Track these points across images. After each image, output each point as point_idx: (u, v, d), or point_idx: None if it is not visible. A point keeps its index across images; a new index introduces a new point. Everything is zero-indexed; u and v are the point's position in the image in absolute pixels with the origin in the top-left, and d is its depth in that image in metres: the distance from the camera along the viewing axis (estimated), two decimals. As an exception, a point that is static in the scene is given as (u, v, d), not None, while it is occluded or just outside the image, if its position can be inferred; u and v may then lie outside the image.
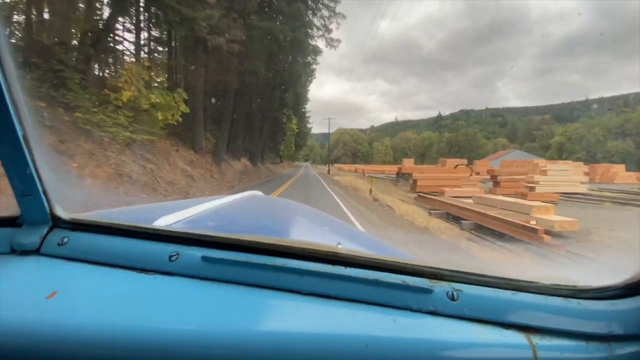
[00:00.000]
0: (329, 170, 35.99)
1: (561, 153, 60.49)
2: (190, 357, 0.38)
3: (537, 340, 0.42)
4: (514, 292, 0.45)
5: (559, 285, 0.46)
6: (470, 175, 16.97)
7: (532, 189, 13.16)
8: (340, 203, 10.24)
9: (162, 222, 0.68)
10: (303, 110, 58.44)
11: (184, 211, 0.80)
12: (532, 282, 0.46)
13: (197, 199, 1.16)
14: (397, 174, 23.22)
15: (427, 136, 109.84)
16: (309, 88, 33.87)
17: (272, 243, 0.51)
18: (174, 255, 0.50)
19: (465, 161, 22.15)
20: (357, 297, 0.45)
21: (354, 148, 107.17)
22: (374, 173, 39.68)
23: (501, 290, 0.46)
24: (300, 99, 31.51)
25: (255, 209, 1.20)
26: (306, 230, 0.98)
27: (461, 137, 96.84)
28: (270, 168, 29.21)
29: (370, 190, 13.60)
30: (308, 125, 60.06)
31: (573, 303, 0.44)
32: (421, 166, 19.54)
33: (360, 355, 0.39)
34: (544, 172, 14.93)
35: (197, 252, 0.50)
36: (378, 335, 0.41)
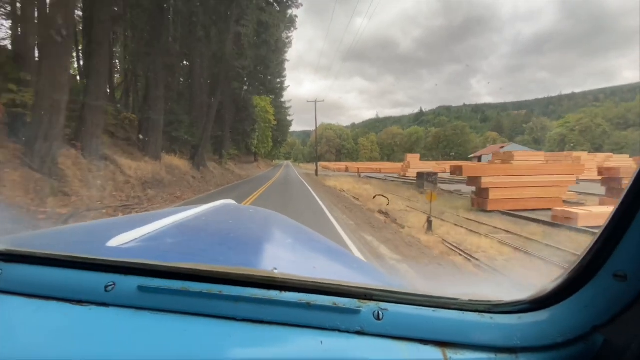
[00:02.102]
0: (316, 171, 28.08)
1: (563, 145, 55.92)
2: None
3: (451, 354, 0.44)
4: (434, 309, 0.48)
5: (476, 301, 0.49)
6: (579, 175, 9.82)
7: None
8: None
9: (117, 242, 0.66)
10: (281, 100, 50.08)
11: (142, 228, 0.77)
12: (452, 298, 0.49)
13: (164, 212, 1.10)
14: (420, 175, 15.98)
15: (413, 131, 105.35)
16: (284, 67, 25.66)
17: (209, 270, 0.51)
18: (110, 285, 0.49)
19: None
20: (290, 321, 0.46)
21: (339, 144, 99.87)
22: (369, 172, 32.38)
23: (423, 308, 0.48)
24: (273, 79, 23.34)
25: (222, 222, 1.15)
26: (269, 247, 0.95)
27: (449, 131, 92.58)
28: (233, 170, 20.93)
29: (429, 222, 5.90)
30: (288, 117, 51.82)
31: (486, 318, 0.47)
32: (487, 164, 11.87)
33: None
34: None
35: (133, 282, 0.49)
36: (304, 358, 0.42)
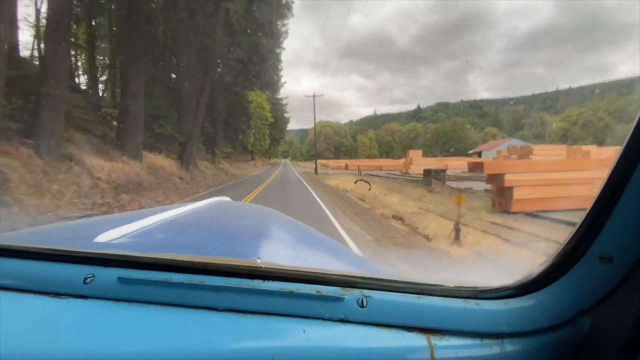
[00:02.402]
0: (316, 170, 26.52)
1: (565, 140, 55.21)
2: None
3: (436, 341, 0.44)
4: (419, 295, 0.48)
5: (462, 287, 0.49)
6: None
7: None
8: None
9: (105, 238, 0.66)
10: (278, 97, 48.77)
11: (132, 224, 0.76)
12: (437, 285, 0.49)
13: (156, 209, 1.08)
14: (427, 172, 14.96)
15: (412, 127, 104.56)
16: (281, 59, 24.40)
17: (190, 260, 0.50)
18: (89, 277, 0.49)
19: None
20: (273, 310, 0.46)
21: (337, 142, 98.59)
22: (370, 170, 31.36)
23: (408, 294, 0.48)
24: (269, 72, 22.12)
25: (215, 219, 1.14)
26: (261, 240, 0.94)
27: (448, 127, 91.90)
28: (227, 169, 19.75)
29: (456, 231, 4.78)
30: (285, 114, 50.63)
31: (472, 304, 0.47)
32: (509, 161, 10.78)
33: None
34: None
35: (113, 273, 0.49)
36: (286, 346, 0.42)
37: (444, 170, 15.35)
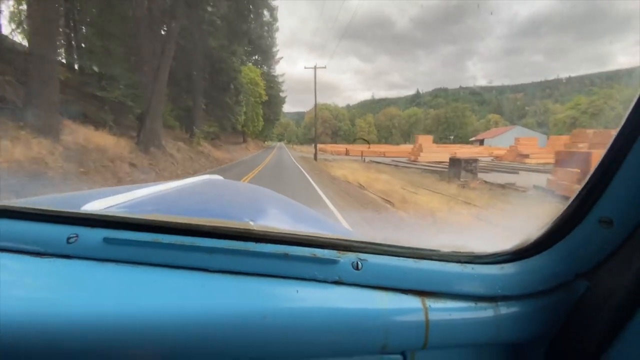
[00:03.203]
0: (315, 155, 22.38)
1: (573, 129, 52.73)
2: (87, 340, 0.38)
3: (430, 303, 0.45)
4: (416, 260, 0.48)
5: (458, 252, 0.49)
6: None
7: None
8: None
9: (92, 207, 0.63)
10: (273, 74, 44.65)
11: (120, 195, 0.75)
12: (434, 250, 0.49)
13: (144, 185, 1.04)
14: (456, 161, 12.07)
15: (412, 112, 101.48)
16: (276, 16, 20.56)
17: (180, 222, 0.49)
18: (73, 237, 0.47)
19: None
20: (266, 271, 0.46)
21: (335, 125, 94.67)
22: (373, 156, 28.38)
23: (404, 258, 0.48)
24: (261, 33, 18.40)
25: (205, 194, 1.10)
26: (251, 213, 0.92)
27: (450, 113, 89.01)
28: (208, 153, 16.30)
29: None
30: (281, 94, 46.69)
31: (468, 268, 0.47)
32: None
33: (258, 327, 0.40)
34: None
35: (98, 234, 0.48)
36: (278, 306, 0.42)
37: (475, 161, 12.43)
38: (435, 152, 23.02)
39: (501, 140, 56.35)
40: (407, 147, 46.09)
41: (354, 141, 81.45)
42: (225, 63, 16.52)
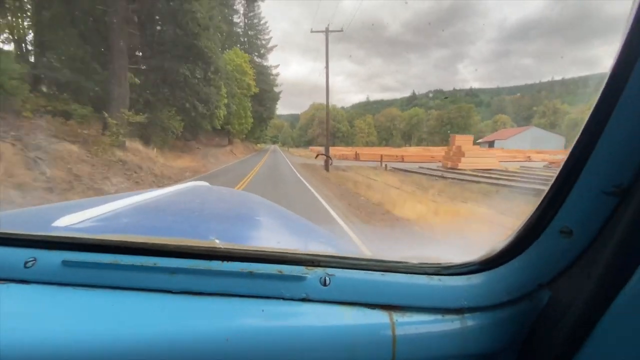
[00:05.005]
0: (326, 164, 14.27)
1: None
2: None
3: (397, 317, 0.44)
4: (383, 273, 0.47)
5: (426, 263, 0.49)
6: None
7: None
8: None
9: (66, 222, 0.63)
10: (265, 64, 38.21)
11: (98, 208, 0.73)
12: (401, 262, 0.49)
13: (126, 194, 1.03)
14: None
15: (414, 113, 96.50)
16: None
17: (141, 242, 0.48)
18: (31, 261, 0.46)
19: None
20: (231, 291, 0.45)
21: (333, 127, 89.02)
22: (391, 161, 22.46)
23: (372, 272, 0.47)
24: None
25: (188, 203, 1.10)
26: (230, 225, 0.90)
27: (454, 113, 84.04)
28: (140, 160, 9.70)
29: None
30: (275, 88, 40.44)
31: (435, 280, 0.47)
32: None
33: (219, 349, 0.39)
34: None
35: (57, 257, 0.46)
36: (242, 327, 0.41)
37: None
38: (481, 157, 17.29)
39: (516, 142, 51.06)
40: (416, 150, 40.72)
41: (352, 143, 75.86)
42: (186, 27, 10.44)
